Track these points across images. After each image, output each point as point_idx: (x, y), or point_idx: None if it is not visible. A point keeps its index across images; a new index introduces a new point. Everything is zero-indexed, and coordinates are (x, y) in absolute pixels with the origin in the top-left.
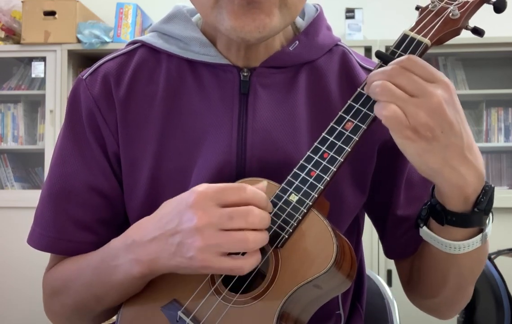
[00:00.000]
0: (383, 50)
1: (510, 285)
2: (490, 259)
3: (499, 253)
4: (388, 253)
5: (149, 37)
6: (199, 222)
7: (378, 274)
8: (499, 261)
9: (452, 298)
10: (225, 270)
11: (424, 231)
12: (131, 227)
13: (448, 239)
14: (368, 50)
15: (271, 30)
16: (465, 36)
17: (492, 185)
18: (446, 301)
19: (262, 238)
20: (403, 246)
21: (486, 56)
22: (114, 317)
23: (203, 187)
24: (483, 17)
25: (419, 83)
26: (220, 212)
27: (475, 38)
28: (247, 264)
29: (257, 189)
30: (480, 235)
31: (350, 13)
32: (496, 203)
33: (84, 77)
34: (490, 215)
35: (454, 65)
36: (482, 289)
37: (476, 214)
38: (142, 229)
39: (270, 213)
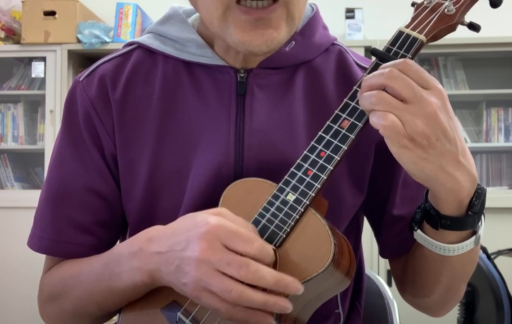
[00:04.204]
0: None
1: (510, 285)
2: (490, 259)
3: (499, 253)
4: (383, 252)
5: (145, 39)
6: (200, 255)
7: (378, 274)
8: (499, 261)
9: (444, 297)
10: (211, 308)
11: (418, 234)
12: (140, 234)
13: (442, 242)
14: (368, 50)
15: (278, 43)
16: (465, 36)
17: (484, 187)
18: (438, 300)
19: (251, 296)
20: (397, 245)
21: (486, 56)
22: (114, 318)
23: (217, 221)
24: (483, 17)
25: (415, 89)
26: (221, 254)
27: (475, 38)
28: (228, 314)
29: (267, 247)
30: (473, 237)
31: (350, 13)
32: (496, 203)
33: (80, 79)
34: (482, 216)
35: (454, 65)
36: (482, 289)
37: (470, 217)
38: (152, 240)
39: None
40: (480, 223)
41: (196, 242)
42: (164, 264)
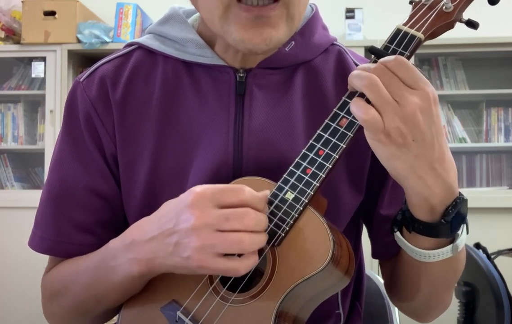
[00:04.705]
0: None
1: (510, 285)
2: (490, 259)
3: (499, 253)
4: (374, 253)
5: (145, 39)
6: (196, 222)
7: (378, 274)
8: (499, 261)
9: (427, 304)
10: (221, 271)
11: (397, 236)
12: (130, 227)
13: (417, 247)
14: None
15: (277, 42)
16: (465, 36)
17: (465, 198)
18: (421, 306)
19: (259, 240)
20: (386, 247)
21: (486, 56)
22: (114, 318)
23: (201, 187)
24: (483, 17)
25: (397, 88)
26: (217, 213)
27: (475, 38)
28: (242, 266)
29: (255, 191)
30: (450, 246)
31: (350, 13)
32: (496, 203)
33: (81, 80)
34: (464, 226)
35: (454, 65)
36: (482, 289)
37: (443, 225)
38: (142, 228)
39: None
40: (461, 232)
41: (187, 213)
42: (161, 248)
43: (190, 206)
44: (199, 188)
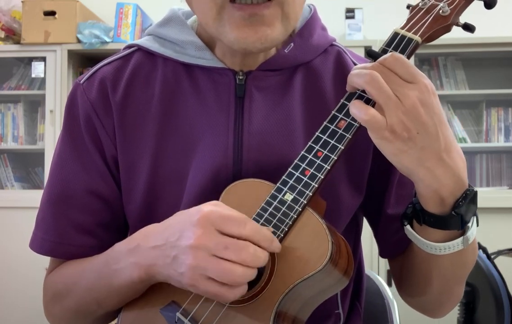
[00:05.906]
0: None
1: (510, 285)
2: (490, 259)
3: (499, 253)
4: (381, 252)
5: (145, 41)
6: (195, 242)
7: (378, 274)
8: (499, 261)
9: (439, 299)
10: (209, 295)
11: (407, 229)
12: (137, 232)
13: (428, 239)
14: None
15: (272, 41)
16: (465, 36)
17: (475, 190)
18: (433, 301)
19: (251, 274)
20: (394, 245)
21: (486, 56)
22: (114, 320)
23: (209, 207)
24: (483, 17)
25: (396, 84)
26: (217, 239)
27: (475, 38)
28: (231, 295)
29: (262, 227)
30: (461, 238)
31: (350, 13)
32: (496, 203)
33: (81, 82)
34: (474, 219)
35: (454, 65)
36: (482, 289)
37: (453, 218)
38: (148, 235)
39: (274, 252)
40: (471, 224)
41: (190, 230)
42: (161, 258)
43: (194, 225)
44: (207, 208)
